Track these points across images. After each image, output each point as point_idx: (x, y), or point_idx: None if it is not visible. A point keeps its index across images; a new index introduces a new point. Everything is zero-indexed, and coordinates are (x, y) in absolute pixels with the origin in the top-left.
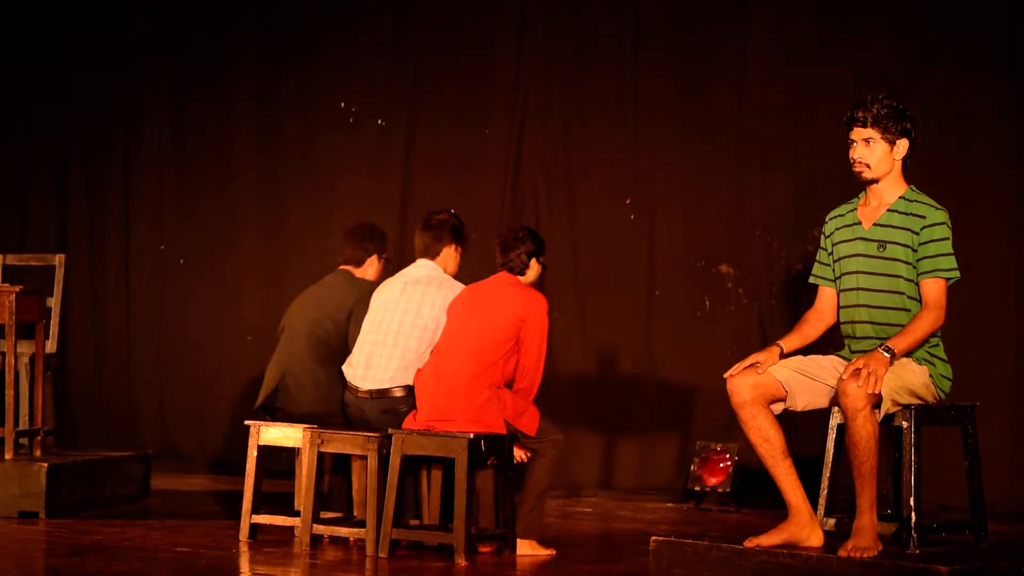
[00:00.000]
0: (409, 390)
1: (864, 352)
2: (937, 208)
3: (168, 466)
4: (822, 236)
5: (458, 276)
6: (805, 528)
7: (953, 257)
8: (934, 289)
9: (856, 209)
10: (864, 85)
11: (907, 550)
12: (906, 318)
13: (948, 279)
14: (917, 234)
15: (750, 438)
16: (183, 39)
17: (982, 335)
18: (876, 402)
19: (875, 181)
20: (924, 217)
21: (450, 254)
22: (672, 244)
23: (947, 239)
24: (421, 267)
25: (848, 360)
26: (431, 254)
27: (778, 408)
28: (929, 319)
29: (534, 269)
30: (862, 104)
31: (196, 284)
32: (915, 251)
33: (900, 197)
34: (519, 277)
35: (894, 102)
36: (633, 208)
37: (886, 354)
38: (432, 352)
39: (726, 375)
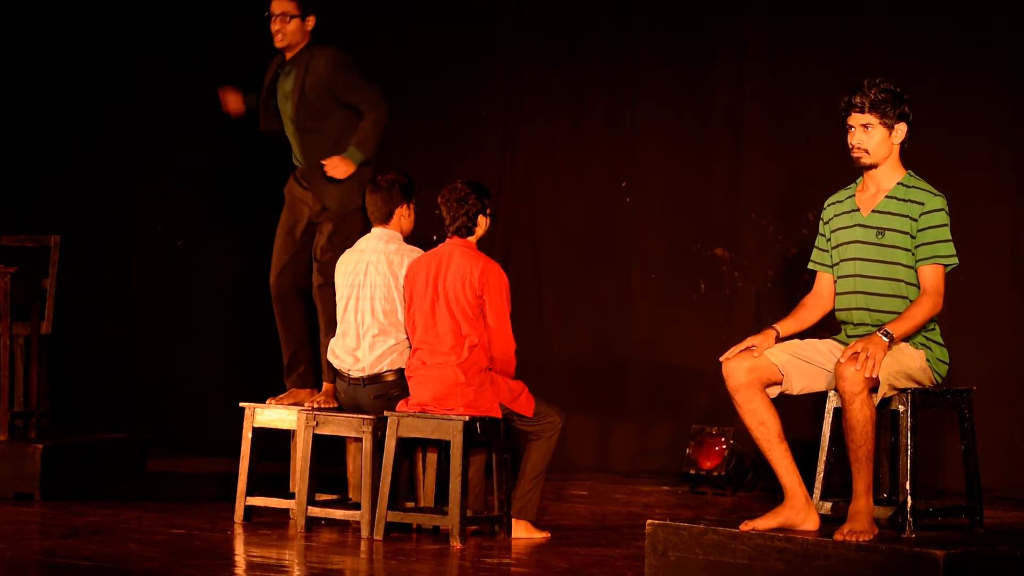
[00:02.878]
0: (400, 373)
1: (861, 338)
2: (935, 194)
3: (164, 448)
4: (820, 222)
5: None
6: (801, 512)
7: (951, 244)
8: (932, 276)
9: (854, 195)
10: (860, 68)
11: (903, 534)
12: (903, 305)
13: (947, 266)
14: (915, 220)
15: (746, 422)
16: (183, 34)
17: (979, 319)
18: (873, 386)
19: (874, 167)
20: (922, 204)
21: (403, 214)
22: (667, 227)
23: (945, 225)
24: (378, 238)
25: (845, 344)
26: (384, 218)
27: (774, 392)
28: (927, 305)
29: (482, 225)
30: (859, 89)
31: (194, 266)
32: (913, 237)
33: (898, 183)
34: (469, 238)
35: (892, 85)
36: (628, 191)
37: (884, 338)
38: (413, 344)
39: (722, 358)
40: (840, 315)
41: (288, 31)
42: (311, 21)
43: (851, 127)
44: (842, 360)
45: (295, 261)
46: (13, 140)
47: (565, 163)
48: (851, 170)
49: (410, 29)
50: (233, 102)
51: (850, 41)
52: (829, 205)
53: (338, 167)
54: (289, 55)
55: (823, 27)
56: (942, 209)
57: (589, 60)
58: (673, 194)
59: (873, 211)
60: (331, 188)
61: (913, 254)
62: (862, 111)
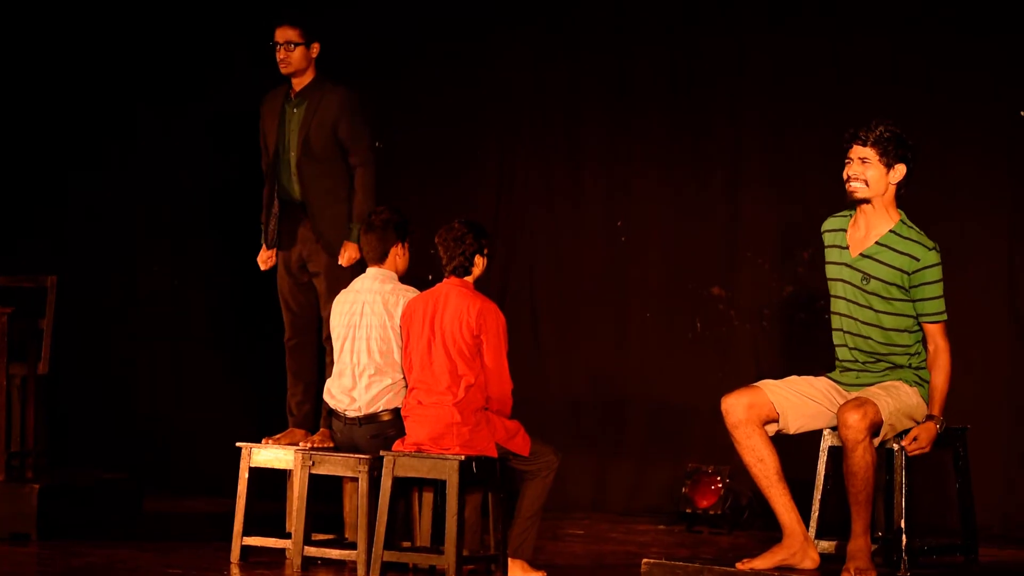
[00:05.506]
0: (396, 413)
1: (851, 371)
2: (929, 248)
3: (160, 488)
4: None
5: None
6: (799, 550)
7: (944, 299)
8: (940, 333)
9: (846, 230)
10: (857, 108)
11: (898, 572)
12: (885, 348)
13: (946, 321)
14: (908, 275)
15: (744, 459)
16: (180, 51)
17: (974, 357)
18: (876, 430)
19: (867, 201)
20: (918, 259)
21: (398, 253)
22: (663, 266)
23: (940, 281)
24: (373, 278)
25: (839, 381)
26: (379, 258)
27: (772, 430)
28: (946, 367)
29: (479, 265)
30: (866, 125)
31: (191, 305)
32: (903, 289)
33: (890, 231)
34: (466, 278)
35: (897, 129)
36: (624, 230)
37: (937, 426)
38: (409, 384)
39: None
40: (836, 349)
41: (293, 59)
42: (315, 48)
43: (849, 159)
44: (844, 408)
45: (307, 302)
46: (11, 178)
47: (561, 202)
48: (851, 205)
49: (404, 65)
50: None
51: (847, 82)
52: (826, 232)
53: (352, 258)
54: (296, 84)
55: (821, 68)
56: (937, 264)
57: (586, 97)
58: (669, 233)
59: (861, 255)
60: (328, 221)
61: (900, 301)
62: (864, 144)
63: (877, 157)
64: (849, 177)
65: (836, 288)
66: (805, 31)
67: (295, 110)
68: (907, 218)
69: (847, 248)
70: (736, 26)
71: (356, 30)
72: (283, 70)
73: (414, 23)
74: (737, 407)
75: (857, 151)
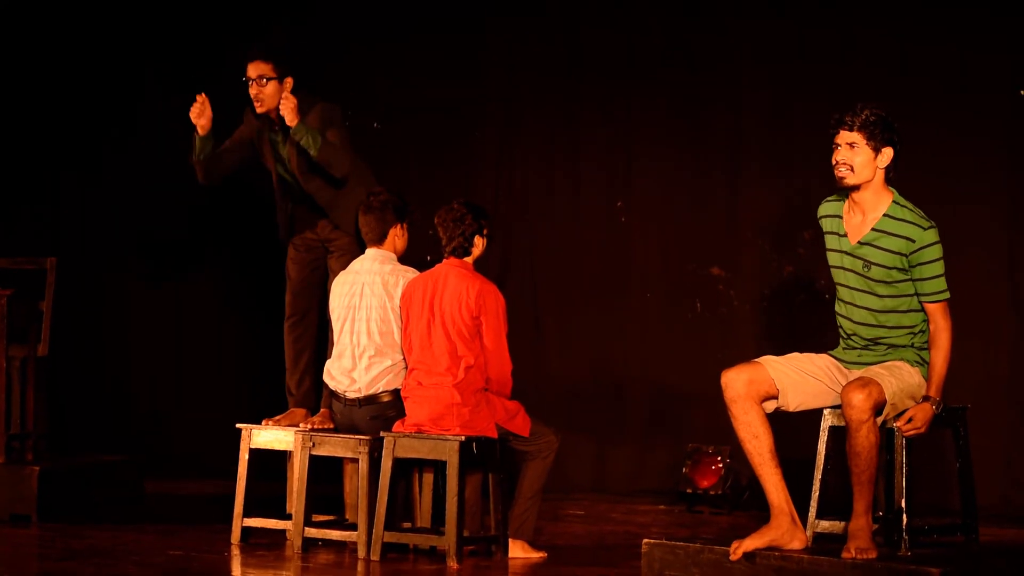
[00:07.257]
0: (396, 394)
1: (854, 349)
2: (925, 227)
3: (161, 470)
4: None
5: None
6: (788, 531)
7: (944, 277)
8: (941, 312)
9: (842, 216)
10: (856, 90)
11: (898, 552)
12: (885, 332)
13: (947, 299)
14: (907, 256)
15: (739, 434)
16: (181, 44)
17: (975, 339)
18: (879, 410)
19: (856, 188)
20: (913, 240)
21: (397, 234)
22: (663, 246)
23: (940, 259)
24: (373, 259)
25: (841, 359)
26: (378, 239)
27: (771, 406)
28: (946, 346)
29: (479, 246)
30: (851, 109)
31: (189, 287)
32: (903, 271)
33: (885, 214)
34: (466, 259)
35: (882, 112)
36: (624, 211)
37: (934, 407)
38: (409, 365)
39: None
40: (839, 328)
41: (267, 94)
42: (289, 83)
43: (837, 145)
44: (848, 388)
45: (310, 282)
46: (8, 166)
47: (561, 183)
48: (843, 191)
49: (404, 50)
50: (205, 116)
51: (848, 64)
52: (822, 217)
53: (291, 107)
54: (275, 115)
55: (821, 50)
56: (935, 242)
57: (586, 81)
58: (669, 214)
59: (860, 242)
60: (344, 212)
61: (900, 283)
62: (850, 129)
63: (864, 141)
64: (837, 163)
65: (838, 276)
66: (806, 14)
67: (281, 141)
68: (900, 197)
69: (845, 235)
70: (737, 8)
71: (357, 16)
72: (258, 109)
73: (415, 7)
74: (737, 381)
75: (844, 136)
